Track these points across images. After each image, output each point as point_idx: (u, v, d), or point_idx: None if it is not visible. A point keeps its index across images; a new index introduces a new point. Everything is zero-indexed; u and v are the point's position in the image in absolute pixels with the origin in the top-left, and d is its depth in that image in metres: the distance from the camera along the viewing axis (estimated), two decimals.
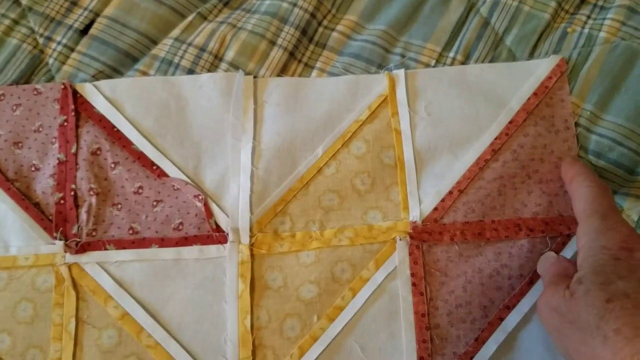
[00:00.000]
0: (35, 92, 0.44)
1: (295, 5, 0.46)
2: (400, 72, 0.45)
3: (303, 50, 0.46)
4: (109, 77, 0.46)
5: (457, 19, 0.47)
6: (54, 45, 0.47)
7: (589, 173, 0.38)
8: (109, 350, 0.39)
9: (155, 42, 0.47)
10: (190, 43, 0.46)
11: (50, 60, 0.46)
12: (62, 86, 0.44)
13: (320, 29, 0.47)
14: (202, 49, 0.45)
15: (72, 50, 0.46)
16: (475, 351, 0.38)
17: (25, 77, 0.46)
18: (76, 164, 0.42)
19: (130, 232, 0.41)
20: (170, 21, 0.47)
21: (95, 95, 0.44)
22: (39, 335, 0.39)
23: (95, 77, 0.45)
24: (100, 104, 0.44)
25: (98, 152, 0.43)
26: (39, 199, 0.42)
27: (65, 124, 0.43)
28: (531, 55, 0.46)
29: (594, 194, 0.36)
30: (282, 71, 0.45)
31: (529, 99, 0.44)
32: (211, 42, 0.45)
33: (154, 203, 0.42)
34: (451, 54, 0.46)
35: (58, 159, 0.42)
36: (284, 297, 0.40)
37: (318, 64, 0.46)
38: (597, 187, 0.36)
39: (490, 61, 0.46)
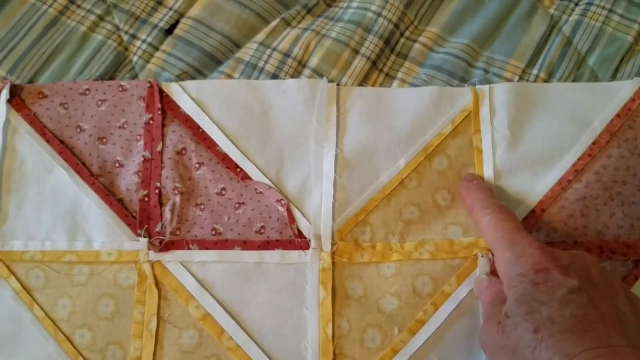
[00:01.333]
0: (120, 89, 0.45)
1: (379, 15, 0.46)
2: (485, 88, 0.44)
3: (385, 60, 0.47)
4: (192, 78, 0.46)
5: (541, 36, 0.47)
6: (138, 43, 0.47)
7: (486, 199, 0.38)
8: (190, 350, 0.39)
9: (238, 46, 0.47)
10: (275, 48, 0.46)
11: (135, 58, 0.47)
12: (149, 84, 0.45)
13: (403, 40, 0.47)
14: (287, 55, 0.45)
15: (157, 49, 0.47)
16: None
17: (110, 74, 0.46)
18: (162, 162, 0.43)
19: (213, 233, 0.41)
20: (254, 26, 0.47)
21: (181, 95, 0.44)
22: (120, 332, 0.40)
23: (180, 78, 0.46)
24: (186, 105, 0.44)
25: (183, 152, 0.43)
26: (122, 196, 0.42)
27: (151, 122, 0.44)
28: (614, 77, 0.46)
29: (496, 222, 0.35)
30: (364, 80, 0.46)
31: (612, 120, 0.43)
32: (296, 48, 0.46)
33: (237, 205, 0.42)
34: (534, 71, 0.46)
35: (143, 156, 0.43)
36: (365, 307, 0.40)
37: (400, 75, 0.46)
38: (498, 213, 0.36)
39: (573, 81, 0.46)
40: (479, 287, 0.38)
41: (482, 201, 0.37)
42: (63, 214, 0.42)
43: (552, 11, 0.48)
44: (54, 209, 0.42)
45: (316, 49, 0.46)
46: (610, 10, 0.47)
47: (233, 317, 0.40)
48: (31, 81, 0.46)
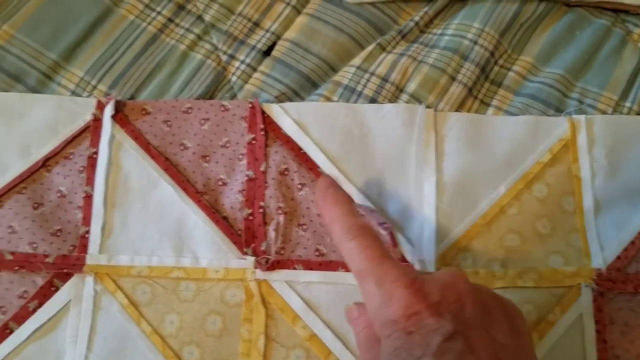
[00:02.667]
0: (222, 109, 0.45)
1: (475, 43, 0.47)
2: (581, 118, 0.45)
3: (479, 87, 0.47)
4: (290, 99, 0.47)
5: (632, 70, 0.48)
6: (237, 63, 0.48)
7: (347, 217, 0.33)
8: None
9: (333, 69, 0.48)
10: (373, 72, 0.47)
11: (233, 78, 0.47)
12: (250, 105, 0.45)
13: (496, 68, 0.48)
14: (385, 79, 0.46)
15: (255, 70, 0.48)
16: None
17: (210, 93, 0.47)
18: (265, 182, 0.43)
19: (317, 253, 0.42)
20: (349, 49, 0.48)
21: (282, 116, 0.45)
22: (227, 350, 0.40)
23: (278, 99, 0.46)
24: (287, 126, 0.45)
25: (286, 172, 0.44)
26: (227, 213, 0.43)
27: (254, 142, 0.44)
28: None
29: (360, 250, 0.31)
30: (460, 107, 0.46)
31: None
32: (393, 73, 0.46)
33: None
34: (627, 104, 0.47)
35: (247, 175, 0.44)
36: None
37: (494, 102, 0.47)
38: (361, 238, 0.32)
39: None
40: (349, 316, 0.36)
41: (343, 220, 0.33)
42: (168, 230, 0.42)
43: None
44: (159, 225, 0.43)
45: (414, 74, 0.46)
46: None
47: (339, 338, 0.40)
48: (131, 97, 0.47)
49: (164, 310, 0.41)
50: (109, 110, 0.45)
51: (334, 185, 0.37)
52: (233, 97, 0.47)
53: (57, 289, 0.41)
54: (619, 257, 0.42)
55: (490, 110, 0.47)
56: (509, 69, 0.48)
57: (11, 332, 0.40)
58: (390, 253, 0.32)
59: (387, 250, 0.31)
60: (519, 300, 0.40)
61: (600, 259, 0.42)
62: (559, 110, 0.46)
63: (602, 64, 0.48)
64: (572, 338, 0.40)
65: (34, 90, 0.47)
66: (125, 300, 0.41)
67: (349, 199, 0.35)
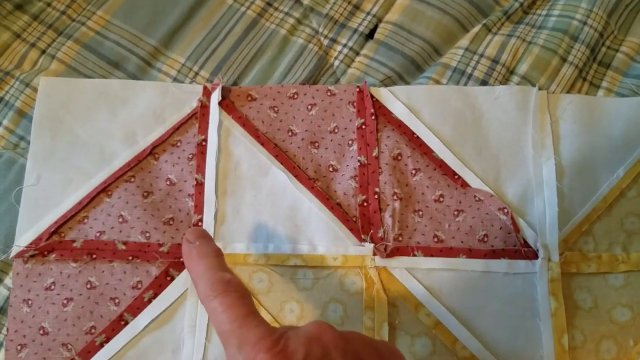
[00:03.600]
0: (329, 93, 0.45)
1: (585, 23, 0.46)
2: None
3: (588, 69, 0.46)
4: (394, 83, 0.46)
5: None
6: (339, 47, 0.47)
7: (210, 272, 0.30)
8: (424, 358, 0.39)
9: (437, 51, 0.47)
10: (482, 54, 0.46)
11: (336, 63, 0.46)
12: (357, 89, 0.44)
13: (604, 49, 0.47)
14: (495, 61, 0.45)
15: (357, 53, 0.47)
16: None
17: (314, 78, 0.46)
18: (379, 167, 0.43)
19: (435, 239, 0.41)
20: (453, 31, 0.47)
21: (392, 100, 0.44)
22: None
23: (383, 83, 0.45)
24: (398, 110, 0.44)
25: (399, 158, 0.43)
26: (340, 200, 0.42)
27: (364, 127, 0.43)
28: None
29: (223, 309, 0.28)
30: (570, 89, 0.45)
31: None
32: (503, 54, 0.45)
33: (455, 212, 0.42)
34: None
35: (359, 161, 0.43)
36: (597, 318, 0.40)
37: (604, 84, 0.46)
38: (224, 296, 0.29)
39: None
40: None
41: (206, 276, 0.30)
42: (283, 217, 0.42)
43: None
44: (272, 212, 0.42)
45: (524, 55, 0.45)
46: None
47: (465, 326, 0.39)
48: (234, 83, 0.46)
49: (283, 298, 0.40)
50: (215, 97, 0.44)
51: (202, 237, 0.33)
52: (336, 81, 0.46)
53: (172, 279, 0.41)
54: None
55: (601, 92, 0.46)
56: (616, 50, 0.47)
57: (126, 323, 0.40)
58: (255, 309, 0.29)
59: (252, 307, 0.29)
60: None
61: None
62: None
63: None
64: None
65: (134, 77, 0.46)
66: None
67: (217, 252, 0.32)
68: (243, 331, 0.27)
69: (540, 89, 0.45)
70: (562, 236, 0.41)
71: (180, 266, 0.41)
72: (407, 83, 0.46)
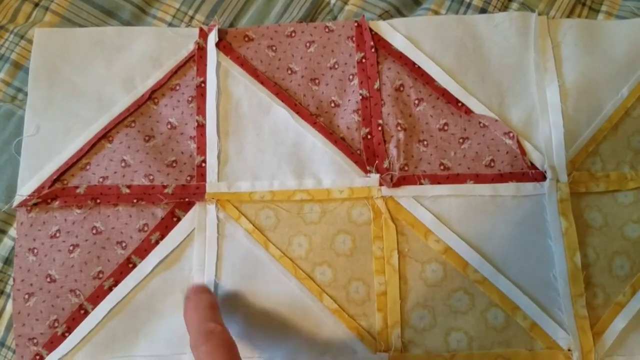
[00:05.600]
0: (327, 30, 0.44)
1: None
2: None
3: None
4: (393, 17, 0.45)
5: None
6: None
7: (201, 322, 0.32)
8: (435, 284, 0.39)
9: None
10: None
11: (332, 0, 0.46)
12: (356, 24, 0.44)
13: None
14: None
15: None
16: None
17: (310, 16, 0.46)
18: (381, 99, 0.42)
19: (442, 168, 0.41)
20: None
21: (391, 33, 0.44)
22: (360, 268, 0.39)
23: (381, 17, 0.45)
24: (398, 41, 0.43)
25: (401, 89, 0.42)
26: (343, 134, 0.42)
27: (364, 60, 0.43)
28: None
29: (204, 357, 0.31)
30: (570, 14, 0.45)
31: None
32: None
33: (460, 140, 0.41)
34: None
35: (361, 94, 0.42)
36: (608, 236, 0.39)
37: (604, 8, 0.45)
38: (211, 346, 0.31)
39: None
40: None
41: (197, 326, 0.32)
42: (286, 154, 0.41)
43: None
44: (275, 150, 0.41)
45: None
46: None
47: (475, 250, 0.39)
48: (231, 25, 0.45)
49: (290, 233, 0.40)
50: (212, 38, 0.43)
51: (199, 291, 0.35)
52: (334, 19, 0.46)
53: (179, 220, 0.40)
54: None
55: (601, 16, 0.45)
56: None
57: (134, 266, 0.39)
58: (239, 357, 0.31)
59: (234, 356, 0.31)
60: None
61: None
62: None
63: None
64: None
65: (128, 24, 0.45)
66: (250, 225, 0.40)
67: (210, 304, 0.34)
68: None
69: (539, 14, 0.44)
70: (569, 157, 0.41)
71: (185, 206, 0.40)
72: (405, 16, 0.45)
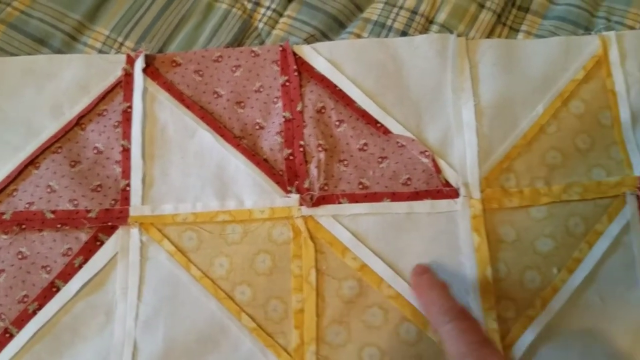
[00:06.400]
0: (253, 54, 0.45)
1: None
2: (612, 34, 0.45)
3: (507, 14, 0.47)
4: (318, 41, 0.46)
5: None
6: (262, 10, 0.48)
7: (443, 299, 0.34)
8: (351, 300, 0.40)
9: (359, 8, 0.48)
10: (402, 6, 0.47)
11: (260, 25, 0.47)
12: (280, 48, 0.45)
13: None
14: (414, 12, 0.46)
15: (281, 15, 0.48)
16: None
17: (238, 41, 0.47)
18: (303, 121, 0.43)
19: (360, 186, 0.42)
20: None
21: (314, 56, 0.45)
22: (279, 287, 0.40)
23: (307, 41, 0.46)
24: (321, 65, 0.45)
25: (323, 110, 0.44)
26: (267, 156, 0.43)
27: (288, 83, 0.44)
28: None
29: (459, 333, 0.31)
30: (490, 34, 0.46)
31: None
32: (422, 5, 0.46)
33: (379, 159, 0.43)
34: None
35: (284, 117, 0.43)
36: (520, 250, 0.40)
37: (523, 27, 0.47)
38: (459, 320, 0.32)
39: None
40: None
41: (439, 303, 0.34)
42: (210, 176, 0.42)
43: None
44: (200, 172, 0.42)
45: (442, 4, 0.46)
46: None
47: (390, 266, 0.40)
48: (160, 51, 0.46)
49: (212, 254, 0.41)
50: (139, 64, 0.44)
51: (428, 271, 0.38)
52: (261, 43, 0.47)
53: (102, 243, 0.41)
54: None
55: (520, 35, 0.47)
56: None
57: (58, 289, 0.40)
58: (488, 337, 0.31)
59: (486, 334, 0.32)
60: (565, 214, 0.40)
61: None
62: (588, 29, 0.46)
63: None
64: (621, 245, 0.40)
65: (59, 52, 0.46)
66: (172, 247, 0.41)
67: (444, 284, 0.36)
68: (481, 354, 0.30)
69: (459, 35, 0.46)
70: (483, 174, 0.42)
71: (109, 230, 0.41)
72: (330, 40, 0.47)
